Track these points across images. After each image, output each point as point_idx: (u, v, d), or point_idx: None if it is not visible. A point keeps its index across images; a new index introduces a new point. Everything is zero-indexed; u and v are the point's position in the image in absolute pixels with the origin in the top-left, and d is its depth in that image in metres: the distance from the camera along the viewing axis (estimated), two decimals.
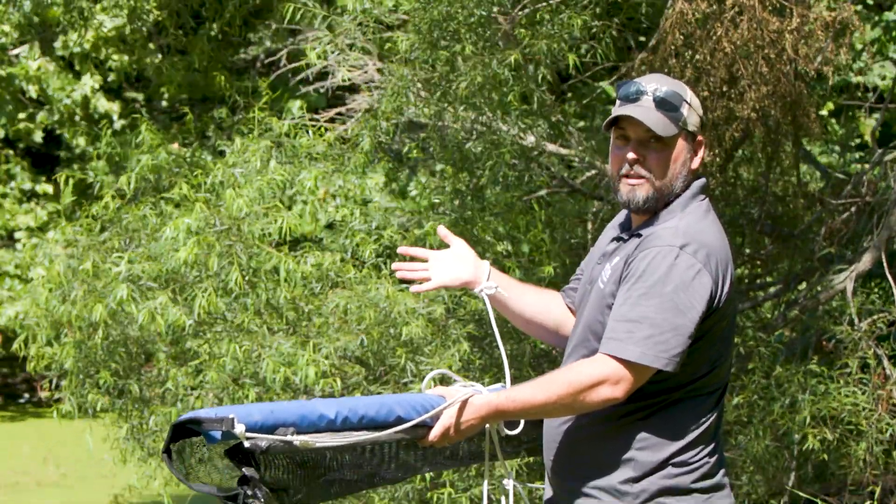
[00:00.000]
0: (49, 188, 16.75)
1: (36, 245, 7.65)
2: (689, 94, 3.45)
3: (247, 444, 3.06)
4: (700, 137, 3.48)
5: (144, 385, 7.69)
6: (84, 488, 11.93)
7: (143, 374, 7.74)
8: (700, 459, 3.35)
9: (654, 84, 3.43)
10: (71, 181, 7.89)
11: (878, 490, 7.50)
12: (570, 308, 3.69)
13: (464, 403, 3.32)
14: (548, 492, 3.52)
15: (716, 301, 3.32)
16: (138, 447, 7.71)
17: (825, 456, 7.39)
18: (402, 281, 3.73)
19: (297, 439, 3.13)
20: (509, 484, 3.59)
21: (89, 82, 16.66)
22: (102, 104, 16.92)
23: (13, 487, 13.16)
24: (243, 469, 3.06)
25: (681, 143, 3.43)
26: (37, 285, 7.72)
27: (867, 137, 10.78)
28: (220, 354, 7.19)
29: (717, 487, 3.39)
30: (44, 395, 8.21)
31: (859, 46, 9.72)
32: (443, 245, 3.80)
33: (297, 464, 3.22)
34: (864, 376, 7.44)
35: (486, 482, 3.59)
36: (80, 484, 12.25)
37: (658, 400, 3.34)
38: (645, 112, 3.40)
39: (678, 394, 3.34)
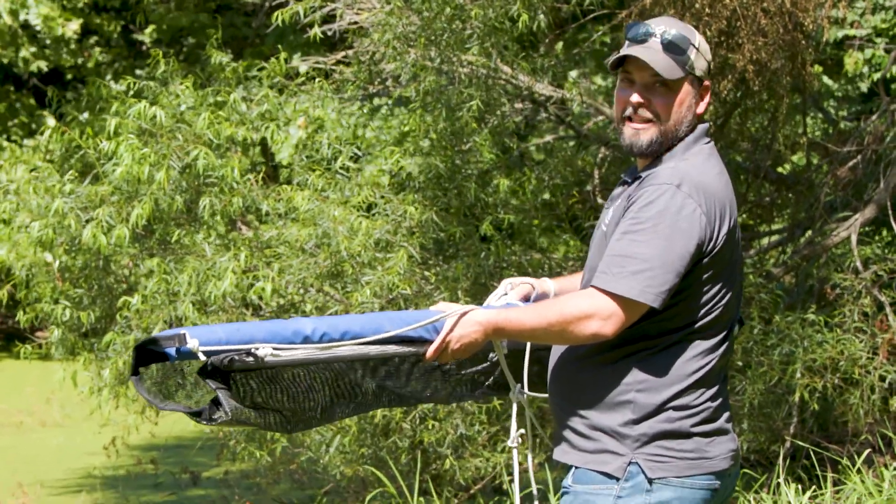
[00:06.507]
0: (50, 122, 16.63)
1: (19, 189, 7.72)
2: (697, 38, 3.43)
3: (202, 357, 3.07)
4: (706, 82, 3.47)
5: (102, 317, 7.76)
6: (87, 428, 11.97)
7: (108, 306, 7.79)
8: (702, 403, 3.34)
9: (663, 26, 3.41)
10: (61, 130, 7.90)
11: (871, 438, 7.49)
12: None
13: (461, 317, 3.31)
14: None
15: (710, 242, 3.31)
16: (100, 380, 7.78)
17: (815, 406, 7.38)
18: None
19: (261, 349, 3.11)
20: (520, 396, 3.61)
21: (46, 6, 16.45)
22: (71, 26, 16.72)
23: (17, 427, 13.23)
24: (208, 381, 3.06)
25: (686, 87, 3.41)
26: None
27: (848, 68, 10.70)
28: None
29: (720, 432, 3.38)
30: (40, 338, 8.28)
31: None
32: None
33: (288, 380, 3.21)
34: (863, 325, 7.42)
35: (515, 401, 3.61)
36: (83, 424, 12.29)
37: (657, 342, 3.33)
38: (652, 54, 3.38)
39: (678, 336, 3.33)
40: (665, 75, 3.36)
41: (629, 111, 3.41)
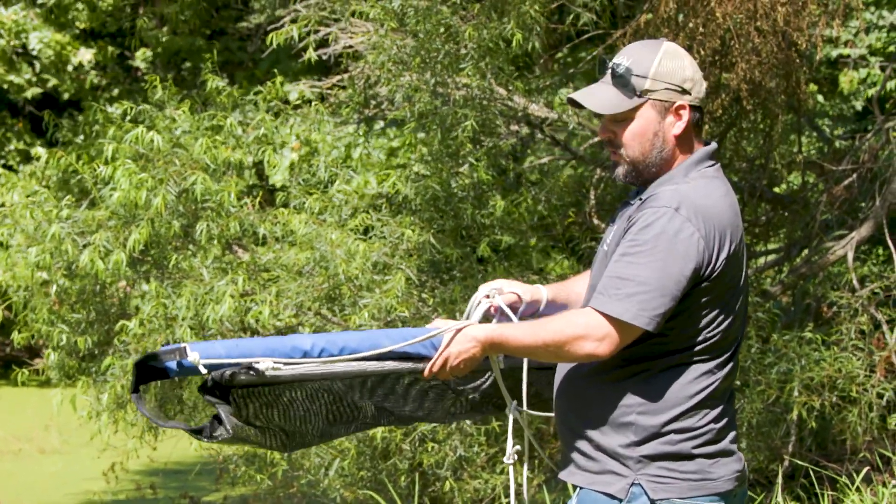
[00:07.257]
0: (43, 152, 16.62)
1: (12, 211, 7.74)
2: (655, 62, 3.38)
3: (203, 371, 3.07)
4: (679, 103, 3.40)
5: (99, 341, 7.76)
6: (85, 454, 11.93)
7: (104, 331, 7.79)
8: (704, 425, 3.36)
9: (623, 57, 3.41)
10: (58, 156, 7.92)
11: (869, 456, 7.49)
12: None
13: (458, 332, 3.34)
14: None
15: (709, 266, 3.31)
16: (98, 404, 7.77)
17: (813, 424, 7.37)
18: None
19: (261, 363, 3.11)
20: (515, 413, 3.61)
21: (64, 37, 16.47)
22: (83, 54, 16.74)
23: (16, 455, 13.20)
24: (206, 396, 3.06)
25: (647, 114, 3.39)
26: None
27: (843, 87, 10.73)
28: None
29: (724, 453, 3.40)
30: (38, 364, 8.27)
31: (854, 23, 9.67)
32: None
33: (287, 402, 3.21)
34: (860, 343, 7.42)
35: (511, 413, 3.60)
36: (82, 450, 12.26)
37: (657, 363, 3.34)
38: (593, 91, 3.42)
39: (677, 358, 3.34)
40: (604, 111, 3.40)
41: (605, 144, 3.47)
